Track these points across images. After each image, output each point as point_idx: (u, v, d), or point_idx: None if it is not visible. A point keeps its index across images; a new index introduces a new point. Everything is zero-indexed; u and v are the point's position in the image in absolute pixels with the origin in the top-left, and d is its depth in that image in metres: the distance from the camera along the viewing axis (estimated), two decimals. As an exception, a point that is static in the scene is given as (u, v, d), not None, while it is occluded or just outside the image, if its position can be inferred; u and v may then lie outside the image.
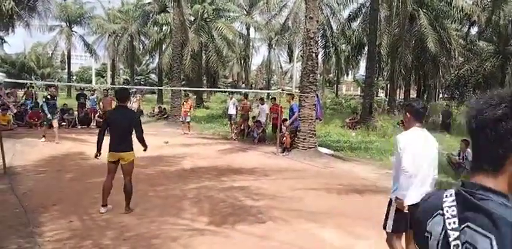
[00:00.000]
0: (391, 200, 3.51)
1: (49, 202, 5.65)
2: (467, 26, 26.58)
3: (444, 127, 16.84)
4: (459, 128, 17.25)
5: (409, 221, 3.24)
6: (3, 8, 13.74)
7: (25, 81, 26.29)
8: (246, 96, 15.07)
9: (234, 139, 13.63)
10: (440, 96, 43.92)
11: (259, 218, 5.26)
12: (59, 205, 5.56)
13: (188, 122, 15.12)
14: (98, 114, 15.82)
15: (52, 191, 6.29)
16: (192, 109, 15.83)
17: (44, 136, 11.41)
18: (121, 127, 5.20)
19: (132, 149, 5.29)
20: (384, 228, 3.53)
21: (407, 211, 3.30)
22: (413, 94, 38.45)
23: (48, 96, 11.67)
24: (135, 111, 15.49)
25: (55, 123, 11.54)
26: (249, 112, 14.30)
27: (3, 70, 41.79)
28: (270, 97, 12.68)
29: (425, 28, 22.59)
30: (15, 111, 15.12)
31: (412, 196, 3.25)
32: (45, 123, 11.73)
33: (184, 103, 15.56)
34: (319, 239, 4.62)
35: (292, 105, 11.20)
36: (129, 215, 5.22)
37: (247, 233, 4.71)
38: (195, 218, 5.21)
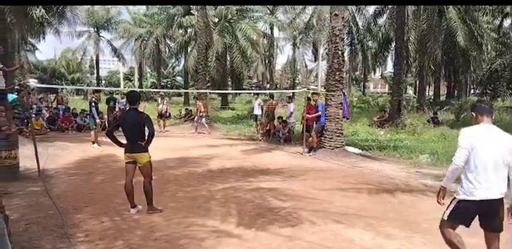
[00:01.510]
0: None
1: (81, 203, 5.80)
2: (499, 18, 25.68)
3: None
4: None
5: (469, 217, 3.41)
6: (34, 16, 14.27)
7: (56, 86, 27.20)
8: (272, 96, 15.04)
9: (260, 140, 13.63)
10: (472, 91, 42.60)
11: (287, 219, 5.22)
12: (91, 206, 5.69)
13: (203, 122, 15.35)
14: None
15: (84, 193, 6.45)
16: (206, 109, 15.95)
17: (94, 142, 11.36)
18: (132, 129, 5.29)
19: (145, 151, 5.32)
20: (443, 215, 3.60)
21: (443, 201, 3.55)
22: (443, 90, 37.51)
23: (96, 101, 11.98)
24: (166, 113, 15.76)
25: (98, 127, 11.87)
26: (275, 112, 14.24)
27: (36, 76, 43.24)
28: (305, 97, 12.59)
29: (454, 22, 21.98)
30: (47, 115, 15.63)
31: (475, 193, 3.33)
32: (94, 127, 11.67)
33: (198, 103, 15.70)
34: (348, 239, 4.54)
35: (318, 103, 11.06)
36: (158, 216, 5.29)
37: (275, 233, 4.69)
38: (222, 218, 5.22)
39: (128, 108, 5.64)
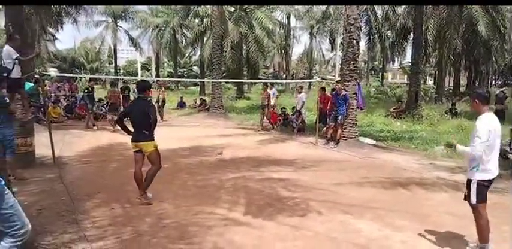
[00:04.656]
0: (468, 179, 3.98)
1: (93, 190, 5.91)
2: (524, 7, 24.78)
3: (497, 114, 15.86)
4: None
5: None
6: (52, 6, 14.40)
7: (74, 75, 27.55)
8: (266, 85, 14.81)
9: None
10: (493, 82, 41.52)
11: (295, 209, 5.22)
12: (103, 193, 5.79)
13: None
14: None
15: (96, 180, 6.57)
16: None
17: (94, 125, 12.88)
18: (137, 118, 5.30)
19: (149, 139, 5.29)
20: (467, 200, 3.98)
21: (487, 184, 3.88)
22: (463, 80, 36.67)
23: (90, 88, 13.34)
24: (162, 101, 15.86)
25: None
26: (269, 102, 13.93)
27: (55, 66, 43.92)
28: (318, 86, 12.34)
29: (476, 10, 21.30)
30: (65, 103, 15.89)
31: (493, 171, 3.88)
32: (90, 111, 13.34)
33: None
34: (355, 230, 4.52)
35: (345, 93, 10.51)
36: (168, 204, 5.36)
37: (283, 223, 4.70)
38: (231, 207, 5.25)
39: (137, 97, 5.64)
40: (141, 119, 5.25)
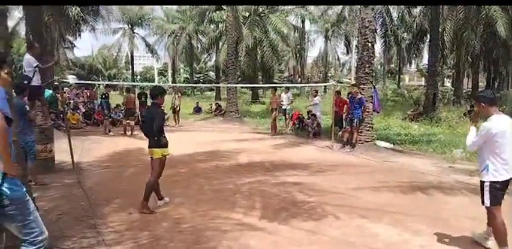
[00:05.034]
0: (481, 181, 3.95)
1: (111, 195, 6.00)
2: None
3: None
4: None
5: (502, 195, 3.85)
6: (70, 14, 14.73)
7: (92, 82, 28.02)
8: (275, 90, 14.85)
9: (288, 133, 13.57)
10: (514, 83, 40.59)
11: (311, 214, 5.20)
12: (121, 198, 5.87)
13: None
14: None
15: (114, 185, 6.67)
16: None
17: (109, 131, 13.22)
18: (146, 123, 5.32)
19: (157, 146, 5.19)
20: (482, 203, 3.93)
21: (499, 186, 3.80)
22: (482, 82, 35.99)
23: (106, 94, 13.95)
24: (177, 107, 16.00)
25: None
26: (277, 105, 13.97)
27: (74, 73, 44.84)
28: (334, 90, 12.32)
29: (494, 11, 20.91)
30: (83, 110, 16.18)
31: (505, 173, 3.80)
32: (107, 117, 13.88)
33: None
34: (372, 235, 4.48)
35: (360, 97, 10.50)
36: (185, 208, 5.40)
37: (298, 228, 4.68)
38: (247, 212, 5.26)
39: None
40: (149, 125, 5.23)
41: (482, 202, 3.91)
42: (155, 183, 5.37)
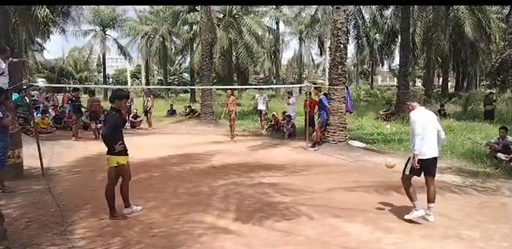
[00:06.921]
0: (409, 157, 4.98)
1: (82, 201, 5.85)
2: (508, 8, 25.17)
3: (487, 114, 16.07)
4: (501, 116, 16.46)
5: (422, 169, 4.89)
6: (39, 16, 14.31)
7: (63, 85, 27.36)
8: (232, 91, 14.42)
9: (264, 135, 13.58)
10: (482, 83, 41.97)
11: (285, 214, 5.21)
12: (91, 203, 5.73)
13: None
14: (132, 114, 16.26)
15: (85, 190, 6.50)
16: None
17: (73, 135, 12.63)
18: (104, 129, 5.17)
19: (112, 153, 4.93)
20: (403, 171, 5.05)
21: (418, 165, 4.79)
22: (452, 82, 37.04)
23: (74, 98, 13.43)
24: (150, 110, 15.97)
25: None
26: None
27: (44, 76, 43.67)
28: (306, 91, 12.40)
29: (462, 12, 21.60)
30: (53, 114, 15.76)
31: (425, 153, 4.82)
32: (75, 121, 13.35)
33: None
34: (345, 234, 4.52)
35: (320, 97, 11.05)
36: (159, 213, 5.31)
37: (273, 228, 4.68)
38: (221, 214, 5.23)
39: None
40: (105, 130, 5.08)
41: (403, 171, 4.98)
42: (123, 190, 5.19)
